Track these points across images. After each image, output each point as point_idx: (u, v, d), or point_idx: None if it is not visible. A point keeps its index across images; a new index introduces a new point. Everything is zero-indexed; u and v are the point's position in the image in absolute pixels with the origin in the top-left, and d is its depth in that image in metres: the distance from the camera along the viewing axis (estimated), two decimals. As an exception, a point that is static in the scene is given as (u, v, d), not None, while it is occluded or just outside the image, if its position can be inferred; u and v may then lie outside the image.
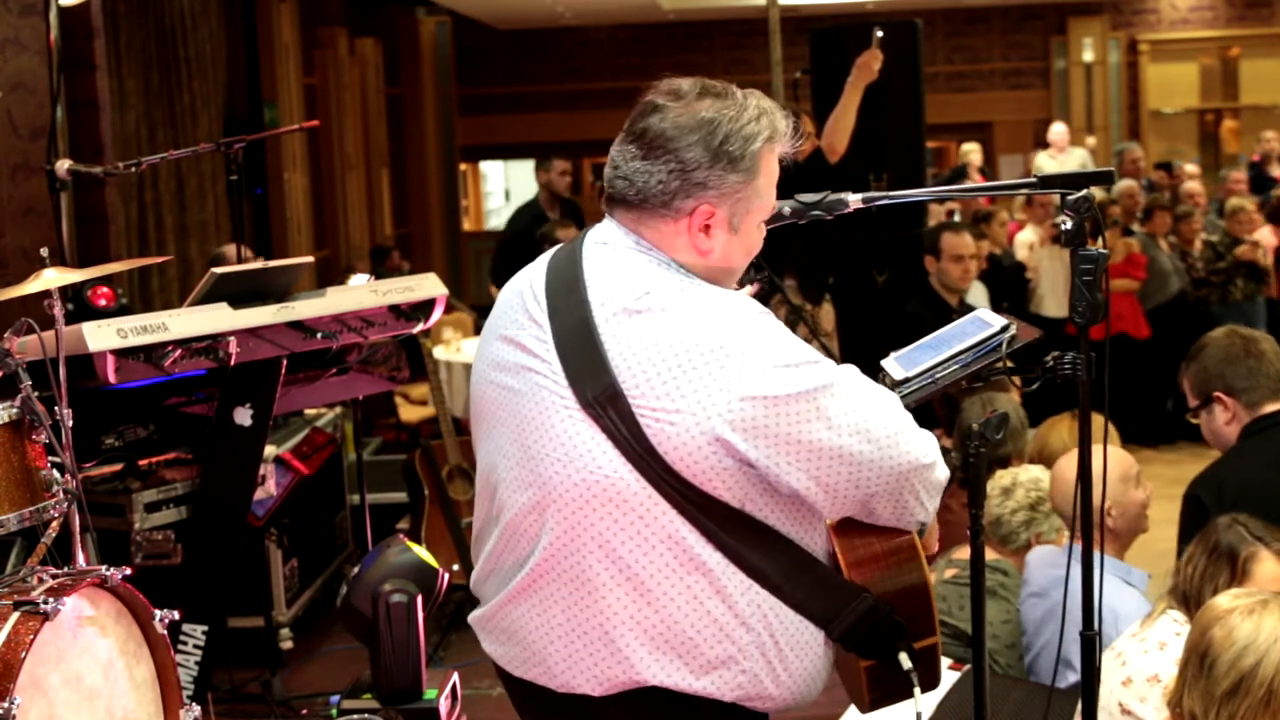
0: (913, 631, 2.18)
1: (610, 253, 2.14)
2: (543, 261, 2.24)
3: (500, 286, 2.45)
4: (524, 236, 7.06)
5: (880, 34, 6.01)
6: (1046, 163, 11.68)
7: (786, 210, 2.34)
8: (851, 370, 2.13)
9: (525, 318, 2.16)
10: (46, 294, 3.15)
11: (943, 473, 2.18)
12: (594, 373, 2.04)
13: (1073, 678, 3.24)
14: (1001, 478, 3.90)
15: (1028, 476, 3.87)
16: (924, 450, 2.12)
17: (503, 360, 2.18)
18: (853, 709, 3.24)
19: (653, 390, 2.01)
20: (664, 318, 2.04)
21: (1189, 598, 3.01)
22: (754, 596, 2.08)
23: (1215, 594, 2.92)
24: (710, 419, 1.99)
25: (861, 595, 2.13)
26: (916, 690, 2.18)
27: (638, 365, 2.02)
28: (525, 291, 2.20)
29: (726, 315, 2.05)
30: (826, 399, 2.03)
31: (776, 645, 2.10)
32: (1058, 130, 12.21)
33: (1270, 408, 3.57)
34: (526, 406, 2.12)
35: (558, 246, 2.27)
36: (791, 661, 2.12)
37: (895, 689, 2.21)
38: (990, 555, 3.81)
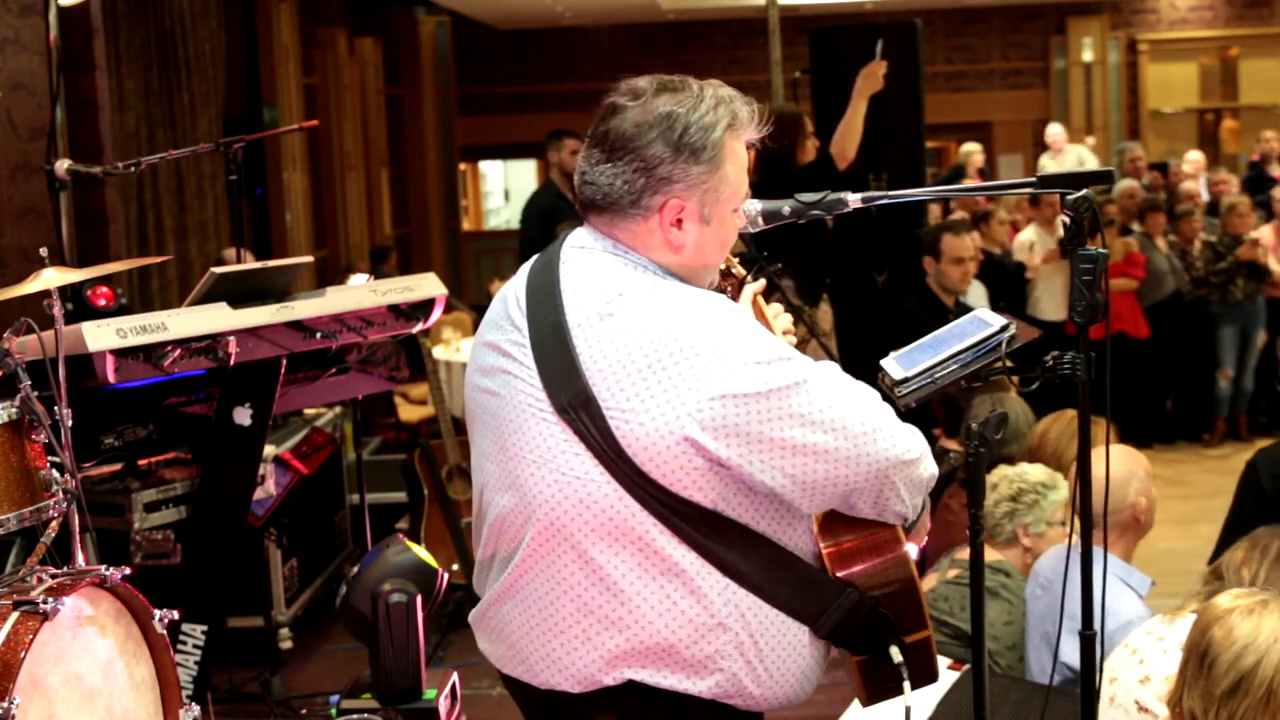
0: (902, 626, 2.17)
1: (586, 257, 2.15)
2: (526, 267, 2.26)
3: None
4: (547, 218, 6.90)
5: (882, 44, 6.07)
6: (1047, 163, 11.72)
7: (786, 210, 2.34)
8: (829, 366, 2.12)
9: (507, 322, 2.18)
10: (46, 294, 3.15)
11: (928, 469, 2.17)
12: (568, 378, 2.04)
13: (1067, 674, 3.24)
14: (990, 477, 3.91)
15: (1013, 471, 3.90)
16: (904, 446, 2.11)
17: (485, 365, 2.21)
18: (853, 708, 3.26)
19: (623, 392, 2.01)
20: (634, 319, 2.04)
21: None
22: (731, 596, 2.07)
23: None
24: (679, 419, 1.99)
25: (846, 591, 2.13)
26: (906, 685, 2.18)
27: (609, 368, 2.02)
28: (509, 297, 2.22)
29: (697, 314, 2.05)
30: (800, 395, 2.02)
31: (756, 646, 2.09)
32: (1054, 131, 12.25)
33: None
34: (505, 410, 2.14)
35: (539, 254, 2.27)
36: (772, 662, 2.11)
37: (890, 684, 2.21)
38: (993, 556, 3.81)
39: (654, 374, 2.00)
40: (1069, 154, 12.00)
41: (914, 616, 2.19)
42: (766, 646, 2.10)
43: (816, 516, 2.18)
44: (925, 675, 2.26)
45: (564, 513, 2.07)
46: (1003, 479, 3.89)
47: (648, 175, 2.09)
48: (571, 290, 2.11)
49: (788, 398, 2.01)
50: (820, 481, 2.05)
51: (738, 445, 2.00)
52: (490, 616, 2.24)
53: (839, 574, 2.15)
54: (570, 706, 2.16)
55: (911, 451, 2.12)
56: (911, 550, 2.46)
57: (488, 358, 2.20)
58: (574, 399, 2.04)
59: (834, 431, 2.03)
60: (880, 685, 2.22)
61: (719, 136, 2.10)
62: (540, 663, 2.16)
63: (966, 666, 3.46)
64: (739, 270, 2.71)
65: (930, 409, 4.94)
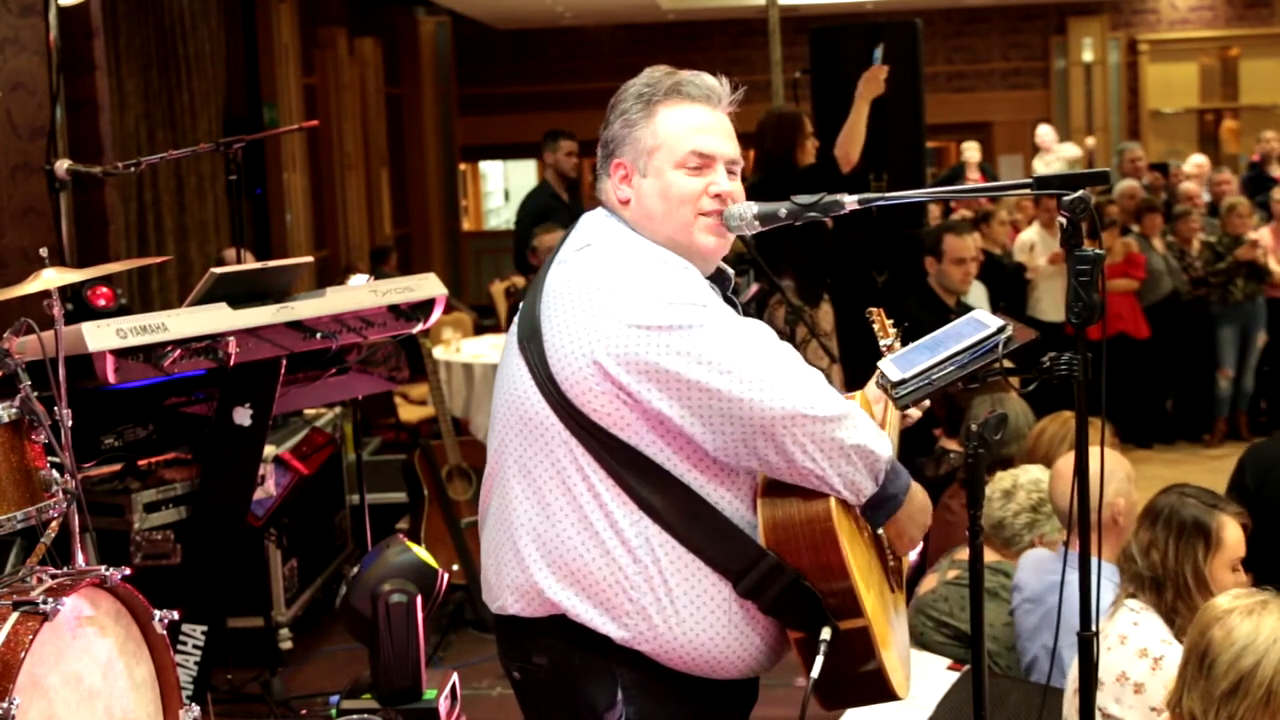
0: (832, 606, 2.19)
1: (588, 216, 2.42)
2: None
3: (524, 272, 2.61)
4: (542, 218, 6.89)
5: (882, 47, 6.08)
6: (1037, 165, 11.77)
7: (782, 213, 2.34)
8: (754, 324, 2.25)
9: None
10: (46, 294, 3.15)
11: (852, 437, 2.18)
12: (530, 315, 2.30)
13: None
14: (1002, 480, 3.88)
15: (1028, 478, 3.85)
16: (809, 402, 2.15)
17: None
18: (851, 712, 3.24)
19: (558, 320, 2.24)
20: (585, 262, 2.28)
21: (1162, 583, 3.00)
22: (643, 529, 2.20)
23: (1197, 570, 2.94)
24: (591, 344, 2.19)
25: (766, 554, 2.19)
26: (818, 660, 2.18)
27: (551, 303, 2.26)
28: None
29: (635, 259, 2.27)
30: (697, 334, 2.17)
31: (665, 583, 2.20)
32: (1042, 132, 12.30)
33: None
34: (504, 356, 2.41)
35: None
36: (684, 605, 2.20)
37: (837, 672, 2.21)
38: (993, 557, 3.80)
39: (581, 304, 2.22)
40: (1054, 152, 12.04)
41: (846, 600, 2.19)
42: (678, 587, 2.20)
43: (760, 488, 2.21)
44: (868, 679, 2.23)
45: (508, 428, 2.30)
46: (1019, 487, 3.84)
47: (602, 147, 2.41)
48: (564, 244, 2.38)
49: (685, 335, 2.16)
50: (717, 419, 2.15)
51: (636, 374, 2.17)
52: (480, 551, 2.42)
53: (767, 539, 2.19)
54: (516, 640, 2.33)
55: (819, 409, 2.15)
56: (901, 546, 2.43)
57: None
58: (529, 334, 2.28)
59: (725, 374, 2.15)
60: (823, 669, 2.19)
61: (633, 92, 2.37)
62: (493, 577, 2.34)
63: (966, 667, 3.46)
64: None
65: (931, 409, 4.94)
